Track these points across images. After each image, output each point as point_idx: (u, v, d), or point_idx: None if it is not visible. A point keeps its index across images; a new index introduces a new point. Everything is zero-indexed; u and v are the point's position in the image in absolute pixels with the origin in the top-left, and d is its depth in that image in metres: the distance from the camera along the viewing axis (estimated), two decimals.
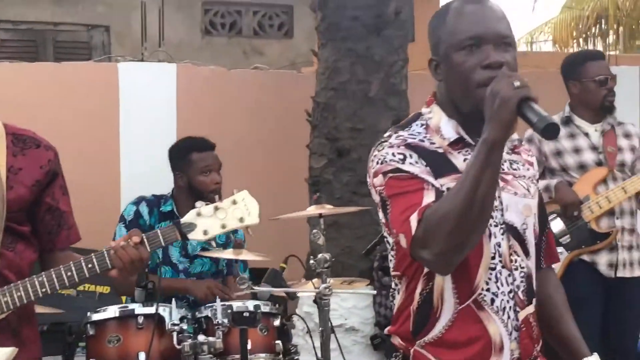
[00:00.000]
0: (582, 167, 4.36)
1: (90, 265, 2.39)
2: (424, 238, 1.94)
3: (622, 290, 4.36)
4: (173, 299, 3.76)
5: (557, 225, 4.37)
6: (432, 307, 2.09)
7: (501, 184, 2.10)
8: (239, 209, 2.46)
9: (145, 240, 2.41)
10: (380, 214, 2.12)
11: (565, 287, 4.29)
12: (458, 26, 2.08)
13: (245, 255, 3.82)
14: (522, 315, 2.11)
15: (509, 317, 2.09)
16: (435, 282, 2.08)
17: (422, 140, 2.10)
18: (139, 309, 3.68)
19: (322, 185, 5.94)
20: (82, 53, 8.78)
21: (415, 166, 2.04)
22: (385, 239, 2.21)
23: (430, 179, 2.03)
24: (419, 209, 1.96)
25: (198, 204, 2.48)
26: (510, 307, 2.09)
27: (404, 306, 2.15)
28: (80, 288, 5.51)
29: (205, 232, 2.45)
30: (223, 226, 2.46)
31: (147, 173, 5.93)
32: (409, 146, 2.07)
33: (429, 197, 1.99)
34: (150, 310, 3.65)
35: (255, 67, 7.14)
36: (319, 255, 3.94)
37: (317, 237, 3.96)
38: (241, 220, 2.46)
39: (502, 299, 2.09)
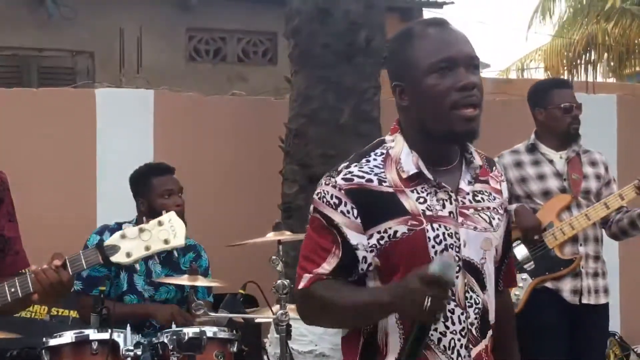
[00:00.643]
0: (546, 194, 4.36)
1: (13, 290, 2.37)
2: (300, 305, 2.16)
3: (587, 318, 4.34)
4: (128, 325, 3.79)
5: (520, 251, 4.37)
6: (378, 348, 2.09)
7: (460, 219, 2.09)
8: (164, 231, 2.42)
9: (67, 263, 2.39)
10: None
11: (529, 315, 4.37)
12: (428, 49, 2.05)
13: (201, 282, 3.85)
14: (474, 352, 2.10)
15: (459, 355, 2.07)
16: (379, 324, 2.09)
17: (371, 180, 2.08)
18: (93, 334, 3.71)
19: (293, 211, 5.97)
20: (67, 79, 8.82)
21: (344, 216, 2.06)
22: None
23: (350, 234, 2.06)
24: (314, 273, 2.08)
25: (124, 226, 2.49)
26: (462, 344, 2.08)
27: (352, 344, 2.15)
28: (54, 312, 5.52)
29: (128, 255, 2.40)
30: (147, 248, 2.42)
31: (123, 199, 5.95)
32: (349, 192, 2.07)
33: (328, 265, 2.07)
34: (105, 335, 3.68)
35: (233, 94, 7.17)
36: (278, 282, 3.96)
37: (276, 263, 3.98)
38: (166, 242, 2.43)
39: (452, 338, 2.07)
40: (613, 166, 7.31)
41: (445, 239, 2.06)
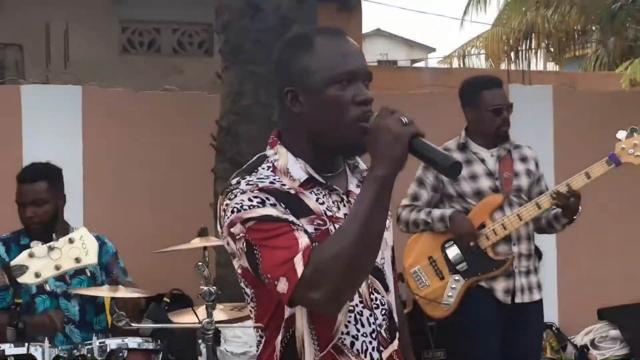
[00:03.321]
0: (479, 194, 4.36)
1: None
2: (314, 279, 1.87)
3: (521, 316, 4.36)
4: (46, 338, 3.66)
5: (452, 252, 4.37)
6: (296, 355, 2.03)
7: None
8: (75, 249, 2.34)
9: None
10: (239, 263, 2.03)
11: (465, 314, 4.37)
12: (330, 59, 2.04)
13: (121, 293, 3.73)
14: (386, 354, 2.09)
15: (371, 358, 2.05)
16: (296, 329, 2.02)
17: (273, 182, 2.03)
18: (9, 349, 3.60)
19: None
20: None
21: (276, 208, 1.97)
22: (242, 291, 2.10)
23: (292, 217, 1.97)
24: (302, 251, 1.90)
25: (33, 243, 2.39)
26: (373, 347, 2.06)
27: (266, 357, 2.08)
28: None
29: (37, 275, 2.32)
30: (57, 267, 2.34)
31: None
32: (262, 190, 1.99)
33: (303, 238, 1.93)
34: (22, 350, 3.58)
35: (165, 89, 7.03)
36: (205, 289, 3.87)
37: (202, 269, 3.88)
38: (77, 260, 2.35)
39: (364, 341, 2.05)
40: (549, 158, 7.40)
41: None
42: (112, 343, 3.72)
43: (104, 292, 3.80)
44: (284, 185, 2.04)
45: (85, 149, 6.56)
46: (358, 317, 2.04)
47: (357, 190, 2.10)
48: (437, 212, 4.36)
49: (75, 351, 3.77)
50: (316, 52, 2.05)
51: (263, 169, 2.07)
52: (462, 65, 16.40)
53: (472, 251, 4.34)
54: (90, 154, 6.61)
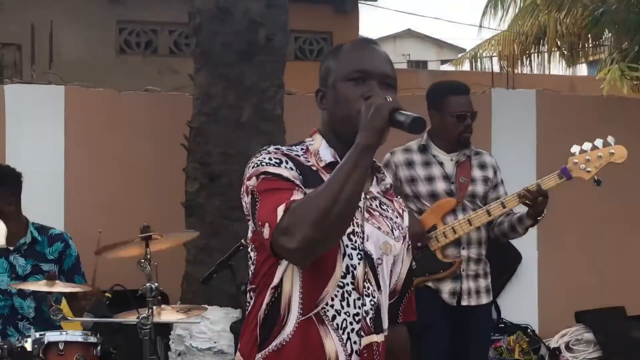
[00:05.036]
0: (434, 196, 4.42)
1: None
2: (287, 226, 2.01)
3: (467, 318, 4.41)
4: None
5: None
6: (279, 315, 2.16)
7: (366, 215, 2.23)
8: None
9: None
10: (250, 225, 2.20)
11: None
12: (348, 60, 2.25)
13: (58, 287, 3.87)
14: (365, 340, 2.19)
15: (349, 338, 2.17)
16: (283, 290, 2.16)
17: (299, 156, 2.22)
18: None
19: (195, 209, 5.99)
20: None
21: (290, 171, 2.15)
22: (248, 255, 2.27)
23: (301, 185, 2.13)
24: (287, 201, 2.05)
25: None
26: (353, 329, 2.18)
27: (252, 318, 2.22)
28: None
29: None
30: None
31: (34, 198, 5.94)
32: (285, 154, 2.20)
33: (297, 195, 2.09)
34: None
35: (147, 89, 7.16)
36: (146, 285, 4.00)
37: (144, 266, 4.01)
38: None
39: (345, 319, 2.17)
40: (532, 161, 7.43)
41: (352, 225, 2.17)
42: (51, 336, 3.83)
43: (41, 286, 3.93)
44: (309, 161, 2.23)
45: (67, 149, 6.70)
46: (346, 295, 2.17)
47: (377, 195, 2.29)
48: None
49: (17, 342, 3.91)
50: (339, 56, 2.28)
51: (297, 148, 2.28)
52: (473, 68, 16.37)
53: (421, 252, 4.41)
54: (72, 153, 6.75)
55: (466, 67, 16.93)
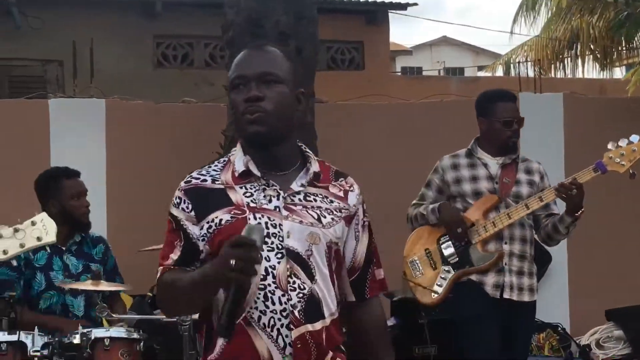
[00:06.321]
0: (477, 194, 4.56)
1: None
2: (157, 298, 2.51)
3: (510, 312, 4.51)
4: (36, 327, 4.03)
5: (446, 245, 4.59)
6: (213, 326, 2.38)
7: (285, 213, 2.37)
8: (37, 229, 2.67)
9: None
10: None
11: (455, 306, 4.60)
12: (231, 70, 2.43)
13: (103, 286, 4.09)
14: (296, 333, 2.32)
15: (279, 334, 2.31)
16: (218, 300, 2.35)
17: (206, 180, 2.42)
18: (2, 336, 3.97)
19: None
20: (37, 87, 9.06)
21: (183, 212, 2.41)
22: None
23: (188, 226, 2.39)
24: (163, 266, 2.40)
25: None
26: (282, 324, 2.31)
27: (201, 326, 2.45)
28: None
29: (4, 252, 2.64)
30: (22, 245, 2.66)
31: None
32: (186, 192, 2.42)
33: (174, 254, 2.39)
34: (13, 337, 3.96)
35: (184, 101, 7.41)
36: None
37: None
38: (39, 239, 2.67)
39: (272, 317, 2.31)
40: (560, 164, 7.52)
41: (267, 228, 2.34)
42: (97, 332, 4.05)
43: (87, 286, 4.16)
44: (217, 181, 2.42)
45: (108, 158, 6.96)
46: (269, 295, 2.31)
47: (299, 189, 2.42)
48: (431, 206, 4.64)
49: (65, 339, 4.12)
50: (230, 68, 2.47)
51: (216, 164, 2.48)
52: (505, 74, 16.42)
53: (463, 245, 4.55)
54: (113, 162, 7.00)
55: (499, 72, 17.00)
